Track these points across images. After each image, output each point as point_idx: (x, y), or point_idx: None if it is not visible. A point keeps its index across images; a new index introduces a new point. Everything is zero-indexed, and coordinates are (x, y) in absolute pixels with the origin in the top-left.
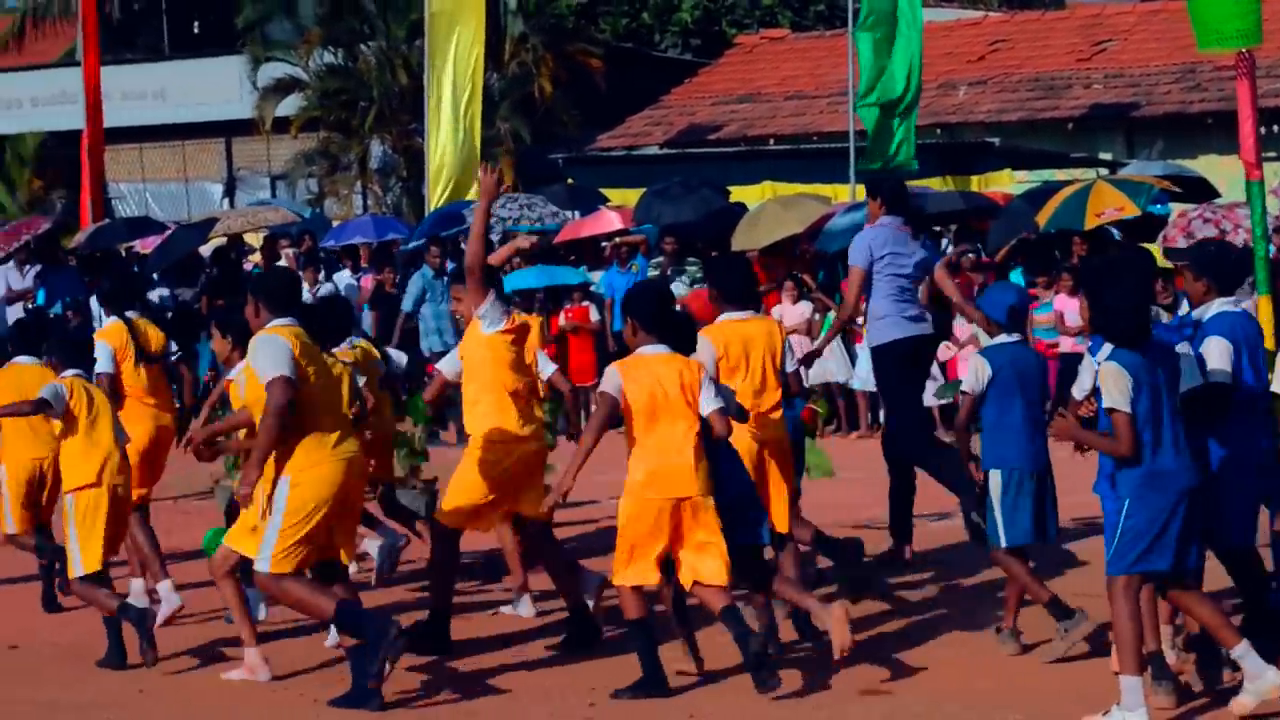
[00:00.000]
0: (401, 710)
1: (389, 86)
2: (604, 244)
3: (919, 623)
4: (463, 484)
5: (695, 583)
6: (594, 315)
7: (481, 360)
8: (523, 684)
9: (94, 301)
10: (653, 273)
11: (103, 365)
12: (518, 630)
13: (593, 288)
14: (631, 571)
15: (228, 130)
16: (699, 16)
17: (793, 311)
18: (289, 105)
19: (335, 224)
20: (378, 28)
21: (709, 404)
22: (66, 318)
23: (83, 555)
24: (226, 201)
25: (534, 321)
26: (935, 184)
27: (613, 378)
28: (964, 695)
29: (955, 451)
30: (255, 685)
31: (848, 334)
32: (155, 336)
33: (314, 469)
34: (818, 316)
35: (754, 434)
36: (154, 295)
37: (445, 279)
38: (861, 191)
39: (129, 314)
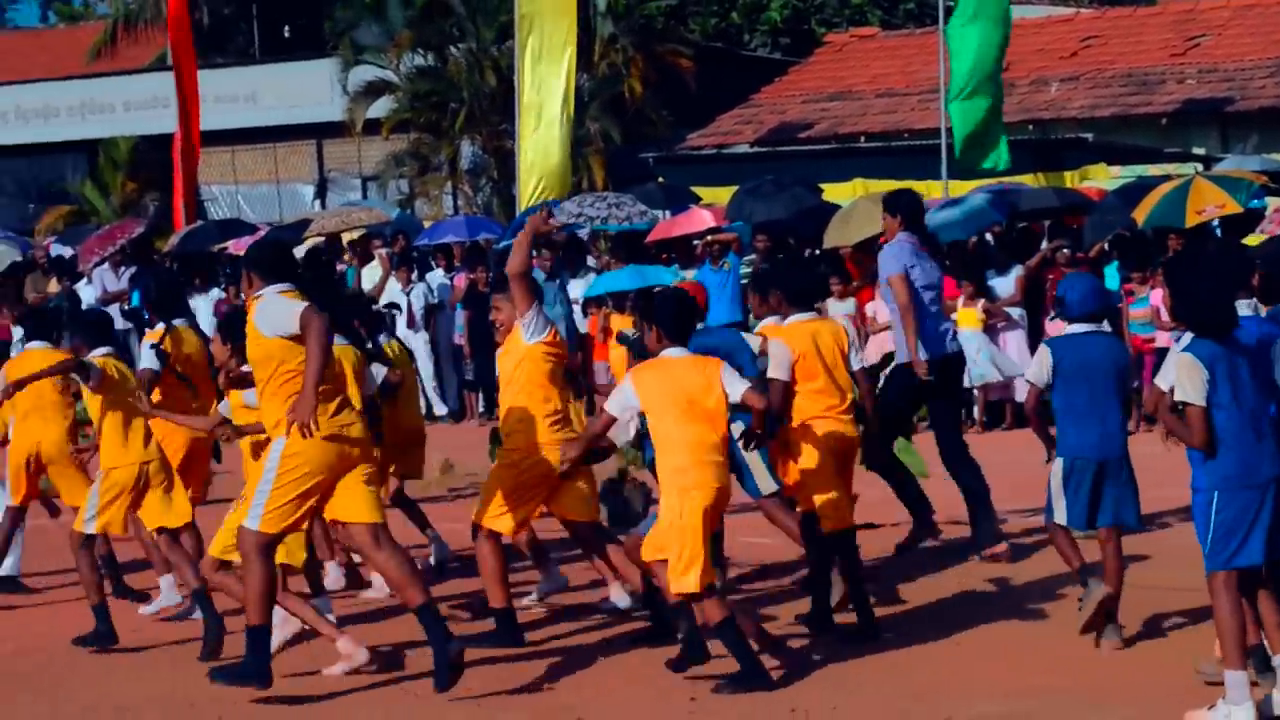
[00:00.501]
0: (505, 697)
1: (479, 88)
2: (696, 242)
3: (1010, 619)
4: (493, 488)
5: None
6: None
7: (518, 368)
8: (623, 677)
9: (196, 302)
10: (745, 270)
11: (148, 362)
12: (612, 622)
13: None
14: (695, 577)
15: (319, 132)
16: (788, 15)
17: (886, 308)
18: (380, 107)
19: (426, 225)
20: (467, 30)
21: (738, 389)
22: None
23: (96, 518)
24: (318, 203)
25: (626, 322)
26: (1028, 180)
27: (625, 394)
28: (1069, 690)
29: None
30: (363, 678)
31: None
32: (191, 343)
33: (315, 441)
34: None
35: (829, 432)
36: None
37: (557, 282)
38: (955, 187)
39: (175, 322)
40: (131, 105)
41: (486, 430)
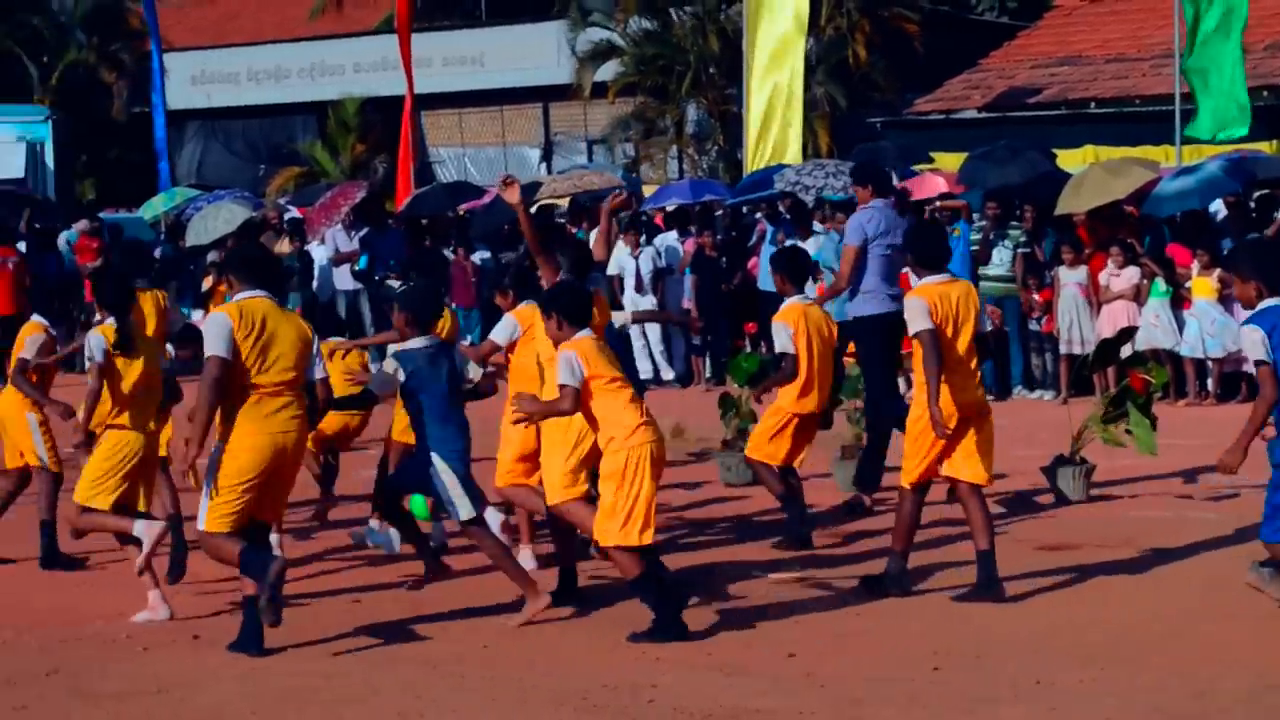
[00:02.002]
0: (747, 662)
1: (704, 51)
2: (926, 208)
3: (1251, 596)
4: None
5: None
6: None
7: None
8: (862, 643)
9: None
10: (975, 237)
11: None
12: (846, 589)
13: None
14: (632, 530)
15: (545, 95)
16: None
17: (1120, 277)
18: (606, 70)
19: (645, 189)
20: None
21: None
22: (388, 280)
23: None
24: (544, 166)
25: None
26: (1265, 148)
27: (575, 367)
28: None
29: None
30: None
31: (1177, 301)
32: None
33: (249, 440)
34: (1145, 282)
35: (953, 395)
36: (476, 258)
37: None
38: (1189, 154)
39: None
40: (361, 67)
41: (715, 395)
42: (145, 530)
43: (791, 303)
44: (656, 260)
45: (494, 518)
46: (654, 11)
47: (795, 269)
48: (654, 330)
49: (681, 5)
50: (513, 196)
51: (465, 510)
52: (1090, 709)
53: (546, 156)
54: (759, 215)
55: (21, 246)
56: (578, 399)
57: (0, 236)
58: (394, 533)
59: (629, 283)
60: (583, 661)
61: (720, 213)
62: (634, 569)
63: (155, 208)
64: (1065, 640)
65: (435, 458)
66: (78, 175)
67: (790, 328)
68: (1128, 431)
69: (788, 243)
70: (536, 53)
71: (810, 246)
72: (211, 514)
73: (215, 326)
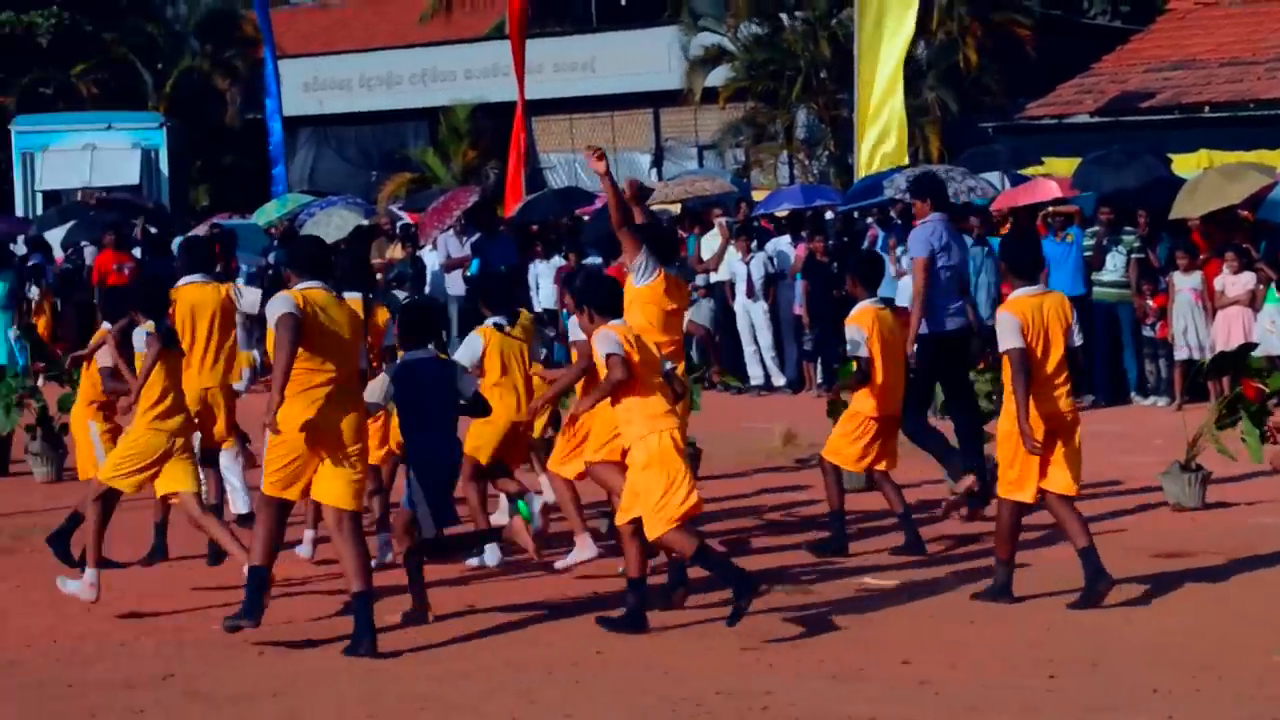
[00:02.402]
0: (859, 669)
1: (815, 57)
2: (1039, 213)
3: None
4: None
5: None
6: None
7: (627, 313)
8: (979, 652)
9: (538, 269)
10: (1088, 242)
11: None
12: (958, 596)
13: None
14: (677, 505)
15: (656, 101)
16: None
17: (1235, 282)
18: (717, 76)
19: (755, 194)
20: None
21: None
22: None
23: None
24: (654, 172)
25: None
26: None
27: (615, 339)
28: None
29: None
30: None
31: None
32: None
33: (291, 417)
34: (1261, 287)
35: (1038, 405)
36: (588, 263)
37: (986, 249)
38: None
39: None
40: (472, 73)
41: (825, 400)
42: (87, 578)
43: (864, 306)
44: (768, 266)
45: (537, 500)
46: (765, 16)
47: (867, 272)
48: (765, 335)
49: (792, 10)
50: (601, 166)
51: (427, 527)
52: (1206, 718)
53: (657, 162)
54: (870, 221)
55: (136, 252)
56: (626, 364)
57: (117, 242)
58: (491, 545)
59: (740, 288)
60: (696, 668)
61: (831, 217)
62: (690, 545)
63: (268, 214)
64: (1181, 648)
65: (412, 472)
66: (192, 182)
67: (865, 331)
68: (1243, 439)
69: (899, 249)
70: (647, 58)
71: None
72: (267, 476)
73: (279, 300)
